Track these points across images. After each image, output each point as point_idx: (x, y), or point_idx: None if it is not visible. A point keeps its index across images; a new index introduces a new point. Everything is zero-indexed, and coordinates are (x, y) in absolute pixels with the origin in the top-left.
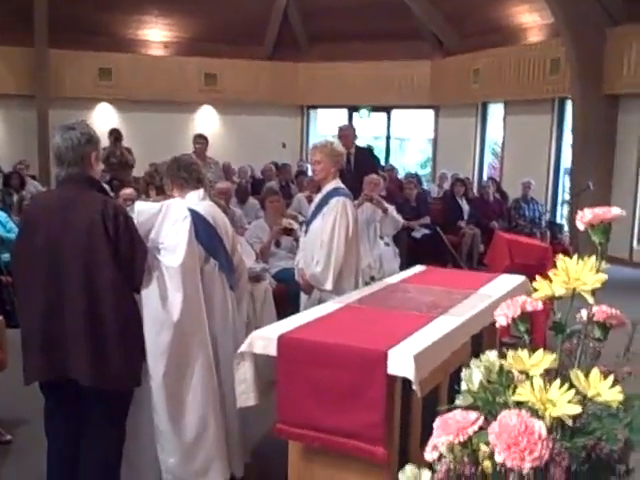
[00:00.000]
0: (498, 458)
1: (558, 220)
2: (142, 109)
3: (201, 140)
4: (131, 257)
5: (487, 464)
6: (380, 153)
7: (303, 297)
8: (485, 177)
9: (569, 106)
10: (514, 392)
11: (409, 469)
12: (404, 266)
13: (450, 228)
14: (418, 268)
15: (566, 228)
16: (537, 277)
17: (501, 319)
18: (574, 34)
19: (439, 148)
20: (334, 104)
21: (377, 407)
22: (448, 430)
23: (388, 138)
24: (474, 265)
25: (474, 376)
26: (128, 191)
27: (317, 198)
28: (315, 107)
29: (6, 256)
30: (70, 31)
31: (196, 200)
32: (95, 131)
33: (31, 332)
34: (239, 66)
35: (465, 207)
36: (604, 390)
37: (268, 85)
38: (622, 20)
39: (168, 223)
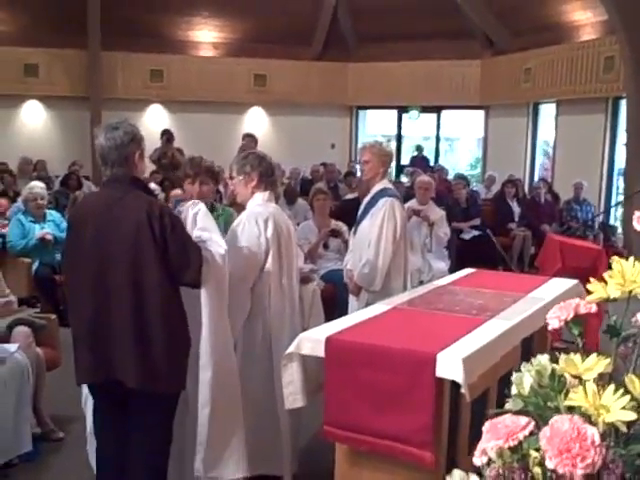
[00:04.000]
0: (549, 464)
1: (612, 222)
2: (193, 110)
3: (249, 138)
4: (183, 255)
5: (537, 470)
6: (430, 154)
7: (351, 299)
8: (536, 178)
9: (623, 105)
10: (566, 397)
11: (457, 473)
12: (453, 268)
13: (501, 230)
14: (467, 271)
15: (620, 230)
16: (591, 279)
17: (554, 322)
18: (629, 32)
19: (489, 149)
20: (383, 105)
21: (425, 411)
22: (498, 435)
23: (438, 139)
24: (525, 268)
25: (525, 380)
26: (178, 192)
27: (366, 199)
28: (364, 108)
29: (59, 256)
30: (122, 33)
31: (260, 201)
32: (139, 130)
33: (80, 333)
34: (288, 67)
35: (516, 209)
36: None
37: (317, 86)
38: None
39: None
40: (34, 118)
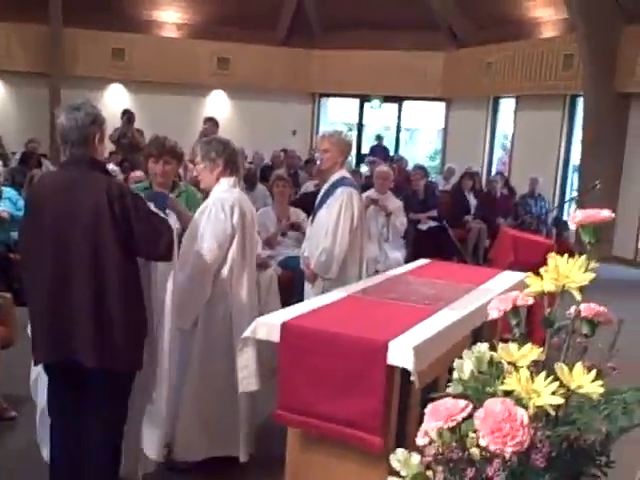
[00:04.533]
0: (482, 442)
1: (565, 218)
2: (154, 91)
3: (210, 122)
4: (153, 231)
5: (475, 451)
6: (390, 144)
7: (307, 286)
8: (494, 172)
9: (581, 103)
10: (503, 382)
11: (400, 452)
12: (409, 258)
13: (457, 222)
14: (422, 261)
15: (572, 226)
16: (530, 274)
17: (493, 312)
18: (588, 30)
19: (449, 141)
20: (346, 93)
21: (375, 396)
22: (438, 416)
23: (398, 129)
24: (479, 260)
25: (465, 366)
26: (138, 173)
27: (324, 187)
28: (327, 95)
29: (15, 234)
30: (85, 10)
31: (226, 187)
32: (100, 112)
33: (38, 313)
34: (252, 51)
35: (473, 201)
36: (586, 383)
37: (280, 71)
38: (637, 18)
39: None
40: None
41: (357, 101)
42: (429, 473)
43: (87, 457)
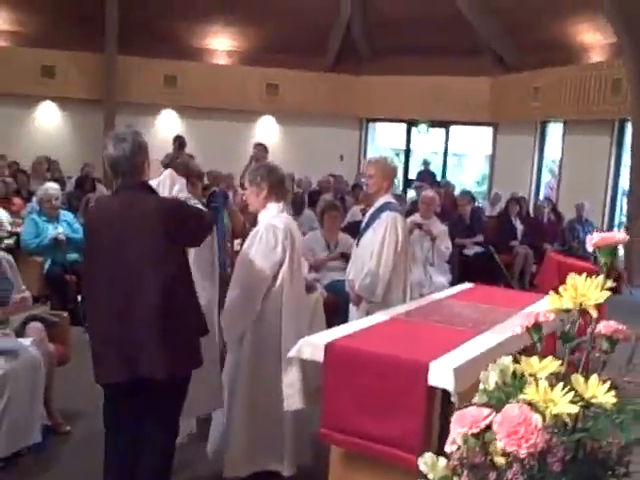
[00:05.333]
0: (499, 444)
1: None
2: (205, 116)
3: (260, 147)
4: (200, 224)
5: (500, 460)
6: (438, 169)
7: (352, 308)
8: (541, 197)
9: (629, 128)
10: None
11: (428, 456)
12: (455, 283)
13: (503, 247)
14: (466, 285)
15: (621, 252)
16: (551, 292)
17: (517, 328)
18: (636, 55)
19: (496, 166)
20: (393, 118)
21: (416, 417)
22: (463, 423)
23: (445, 154)
24: (525, 285)
25: (490, 377)
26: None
27: (369, 212)
28: (374, 120)
29: (72, 256)
30: (139, 38)
31: (275, 212)
32: (144, 138)
33: (102, 333)
34: (300, 77)
35: (519, 227)
36: (600, 393)
37: (328, 97)
38: None
39: None
40: (49, 119)
41: (404, 126)
42: (455, 479)
43: (144, 462)
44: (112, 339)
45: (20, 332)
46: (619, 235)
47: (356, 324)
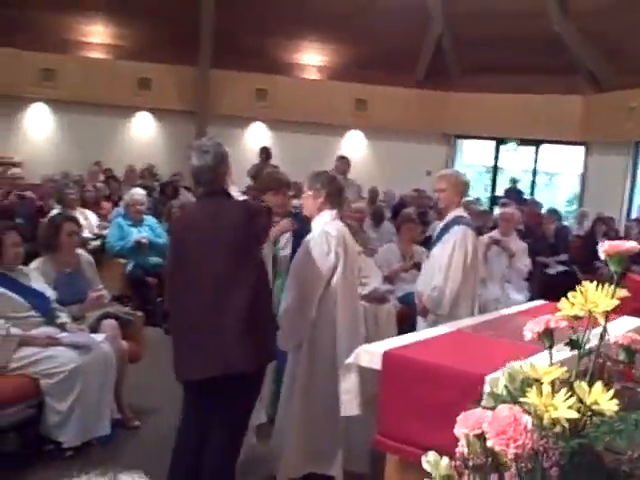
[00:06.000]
0: (489, 443)
1: None
2: (293, 130)
3: (343, 160)
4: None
5: (501, 461)
6: (527, 187)
7: (419, 320)
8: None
9: None
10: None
11: (431, 454)
12: (533, 300)
13: (587, 267)
14: (538, 302)
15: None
16: (562, 299)
17: (527, 333)
18: None
19: (588, 185)
20: (482, 135)
21: None
22: (466, 424)
23: (535, 172)
24: None
25: (500, 382)
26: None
27: (440, 225)
28: (462, 137)
29: (153, 259)
30: (232, 53)
31: (328, 219)
32: (225, 149)
33: (186, 331)
34: (389, 93)
35: None
36: (602, 400)
37: (416, 113)
38: None
39: None
40: (144, 129)
41: (493, 143)
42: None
43: (210, 460)
44: (199, 338)
45: (94, 328)
46: (628, 243)
47: (417, 335)
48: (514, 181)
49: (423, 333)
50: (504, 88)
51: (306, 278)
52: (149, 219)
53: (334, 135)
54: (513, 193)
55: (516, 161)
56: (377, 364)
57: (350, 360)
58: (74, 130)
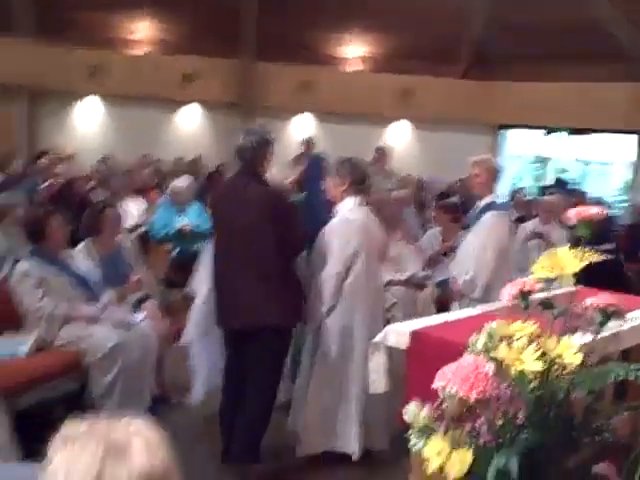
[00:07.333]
0: (452, 389)
1: None
2: (337, 121)
3: (380, 152)
4: (287, 229)
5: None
6: (576, 177)
7: (455, 304)
8: None
9: None
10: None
11: (412, 404)
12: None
13: (633, 256)
14: (571, 287)
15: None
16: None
17: (505, 296)
18: None
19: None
20: (529, 124)
21: None
22: (443, 378)
23: (584, 161)
24: None
25: (479, 341)
26: None
27: (473, 211)
28: (508, 127)
29: (198, 245)
30: (276, 46)
31: (352, 206)
32: (271, 136)
33: (222, 288)
34: (434, 83)
35: None
36: (567, 353)
37: (462, 103)
38: None
39: None
40: (190, 121)
41: (540, 133)
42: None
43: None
44: (230, 293)
45: (136, 309)
46: (593, 209)
47: (445, 316)
48: (562, 171)
49: (451, 315)
50: (549, 77)
51: (327, 263)
52: (195, 205)
53: (378, 126)
54: (560, 183)
55: (565, 150)
56: (404, 344)
57: (377, 339)
58: (122, 124)
